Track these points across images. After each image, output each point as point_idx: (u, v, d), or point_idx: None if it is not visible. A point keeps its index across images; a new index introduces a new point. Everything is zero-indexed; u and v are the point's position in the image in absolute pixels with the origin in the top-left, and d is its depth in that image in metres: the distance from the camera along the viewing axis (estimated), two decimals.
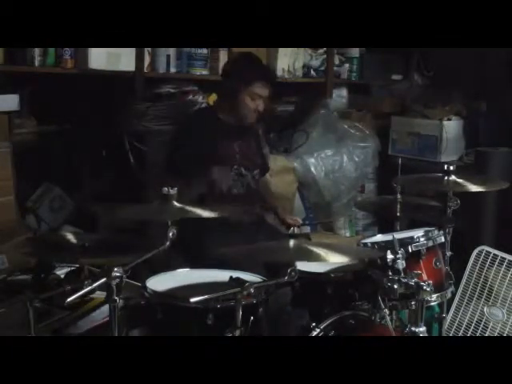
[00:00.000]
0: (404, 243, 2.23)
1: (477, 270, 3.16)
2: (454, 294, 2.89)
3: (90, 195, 3.61)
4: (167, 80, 3.73)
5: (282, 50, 4.19)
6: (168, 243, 1.79)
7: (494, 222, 3.79)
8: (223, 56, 3.85)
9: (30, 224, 3.49)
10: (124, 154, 3.49)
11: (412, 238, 2.30)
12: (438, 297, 2.31)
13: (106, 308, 1.80)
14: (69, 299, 1.62)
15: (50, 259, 2.39)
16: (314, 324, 2.09)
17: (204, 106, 3.48)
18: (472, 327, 3.09)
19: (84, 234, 2.35)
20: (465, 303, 3.15)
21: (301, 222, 3.16)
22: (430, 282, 2.01)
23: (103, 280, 1.63)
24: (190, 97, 3.64)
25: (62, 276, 2.52)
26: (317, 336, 2.05)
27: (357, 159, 4.16)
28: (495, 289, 3.10)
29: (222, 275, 2.04)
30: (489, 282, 3.12)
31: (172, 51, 3.81)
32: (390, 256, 2.12)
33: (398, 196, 2.63)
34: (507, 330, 3.01)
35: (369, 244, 2.35)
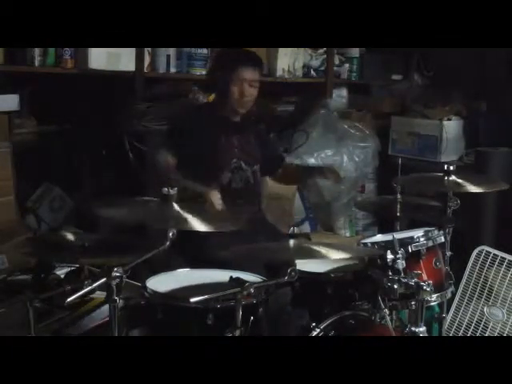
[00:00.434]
0: (404, 243, 2.23)
1: (477, 270, 3.16)
2: (454, 294, 2.89)
3: (90, 195, 3.61)
4: (167, 80, 3.73)
5: (281, 50, 4.19)
6: (168, 243, 1.79)
7: (494, 222, 3.79)
8: None
9: (30, 224, 3.49)
10: (124, 154, 3.49)
11: (412, 237, 2.29)
12: (437, 297, 2.31)
13: (105, 308, 1.80)
14: (69, 299, 1.62)
15: (49, 259, 2.39)
16: (314, 324, 2.09)
17: (203, 103, 3.48)
18: (472, 327, 3.09)
19: (84, 233, 2.35)
20: (465, 303, 3.15)
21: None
22: (430, 282, 2.01)
23: (103, 280, 1.63)
24: (190, 97, 3.64)
25: (62, 276, 2.52)
26: (317, 336, 2.05)
27: (357, 159, 4.16)
28: (495, 289, 3.10)
29: (222, 275, 2.04)
30: (489, 282, 3.12)
31: (172, 51, 3.81)
32: (389, 256, 2.12)
33: (398, 196, 2.63)
34: (507, 329, 3.01)
35: (369, 244, 2.35)
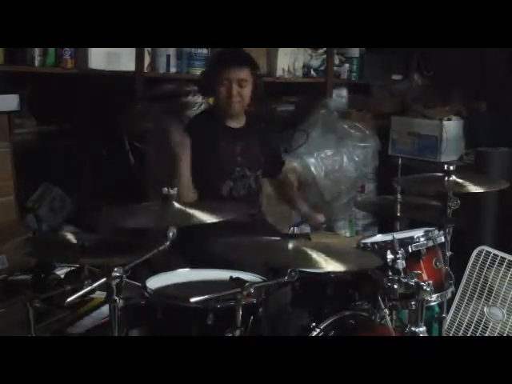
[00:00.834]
0: (404, 243, 2.23)
1: (477, 270, 3.16)
2: (454, 294, 2.89)
3: (90, 195, 3.61)
4: (167, 80, 3.73)
5: (281, 50, 4.19)
6: (168, 243, 1.79)
7: (494, 222, 3.79)
8: None
9: (30, 224, 3.49)
10: (124, 154, 3.49)
11: (412, 237, 2.29)
12: (438, 297, 2.31)
13: (106, 308, 1.80)
14: (69, 299, 1.62)
15: (49, 259, 2.39)
16: (314, 324, 2.09)
17: (203, 110, 3.45)
18: (472, 327, 3.09)
19: (84, 233, 2.35)
20: (465, 303, 3.15)
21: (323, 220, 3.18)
22: (430, 282, 2.01)
23: (103, 280, 1.63)
24: (190, 97, 3.64)
25: (62, 276, 2.51)
26: (317, 336, 2.05)
27: (357, 159, 4.16)
28: (495, 289, 3.10)
29: (222, 275, 2.04)
30: (489, 282, 3.12)
31: (172, 51, 3.81)
32: (389, 256, 2.12)
33: (398, 196, 2.63)
34: (507, 330, 3.01)
35: (369, 244, 2.34)
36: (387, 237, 2.36)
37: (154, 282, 2.04)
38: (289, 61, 4.26)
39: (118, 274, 1.63)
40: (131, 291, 1.92)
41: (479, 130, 4.27)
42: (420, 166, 3.94)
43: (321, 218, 3.13)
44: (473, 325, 3.09)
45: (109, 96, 3.49)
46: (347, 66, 4.72)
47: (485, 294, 3.12)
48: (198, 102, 3.60)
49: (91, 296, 2.21)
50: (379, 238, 2.49)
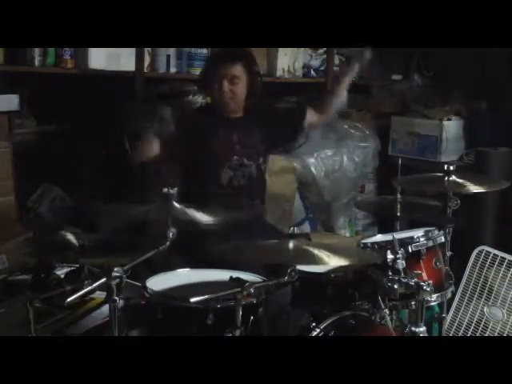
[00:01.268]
0: (404, 243, 2.23)
1: (477, 270, 3.16)
2: (454, 294, 2.89)
3: (90, 195, 3.61)
4: (167, 80, 3.73)
5: (281, 50, 4.19)
6: (168, 243, 1.79)
7: (494, 222, 3.79)
8: None
9: (30, 224, 3.49)
10: (124, 154, 3.49)
11: (412, 237, 2.30)
12: (438, 297, 2.31)
13: (106, 308, 1.80)
14: (69, 299, 1.62)
15: (49, 259, 2.39)
16: (314, 324, 2.09)
17: (203, 104, 3.46)
18: (472, 327, 3.09)
19: (84, 233, 2.35)
20: (465, 303, 3.15)
21: None
22: (430, 282, 2.01)
23: (103, 280, 1.63)
24: (190, 97, 3.63)
25: (62, 276, 2.51)
26: (317, 336, 2.05)
27: (357, 159, 4.16)
28: (495, 289, 3.10)
29: (222, 275, 2.04)
30: (489, 282, 3.12)
31: (172, 51, 3.81)
32: (390, 256, 2.12)
33: (398, 196, 2.63)
34: (507, 329, 3.01)
35: (369, 244, 2.35)
36: (387, 237, 2.36)
37: (154, 282, 2.04)
38: (289, 61, 4.26)
39: (117, 274, 1.63)
40: (131, 291, 1.92)
41: (479, 129, 4.27)
42: (420, 166, 3.95)
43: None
44: (473, 325, 3.09)
45: (109, 96, 3.49)
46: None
47: (485, 294, 3.12)
48: (198, 102, 3.60)
49: (91, 296, 2.21)
50: (379, 237, 2.49)
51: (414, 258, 2.25)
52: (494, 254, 3.14)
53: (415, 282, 2.00)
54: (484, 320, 3.07)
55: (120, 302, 1.66)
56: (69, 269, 2.51)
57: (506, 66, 4.34)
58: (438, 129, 4.25)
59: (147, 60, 3.70)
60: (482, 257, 3.16)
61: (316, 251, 1.87)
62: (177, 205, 1.98)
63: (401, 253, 2.13)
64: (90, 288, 1.62)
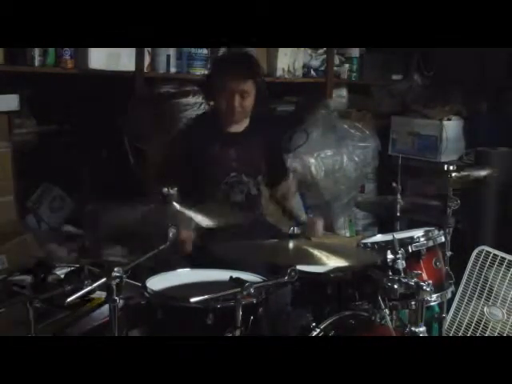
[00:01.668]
0: (404, 243, 2.23)
1: (477, 270, 3.16)
2: (454, 294, 2.89)
3: (89, 195, 3.61)
4: (167, 80, 3.73)
5: (281, 50, 4.19)
6: (168, 243, 1.79)
7: (494, 222, 3.79)
8: None
9: (30, 224, 3.49)
10: (124, 154, 3.49)
11: (412, 237, 2.30)
12: (438, 297, 2.31)
13: (106, 308, 1.80)
14: (69, 299, 1.62)
15: (49, 259, 2.40)
16: (314, 324, 2.09)
17: (204, 112, 3.41)
18: (472, 327, 3.09)
19: (84, 233, 2.35)
20: (465, 303, 3.15)
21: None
22: (430, 282, 2.01)
23: (103, 280, 1.63)
24: (190, 97, 3.64)
25: (62, 276, 2.52)
26: (317, 336, 2.05)
27: (357, 159, 4.16)
28: (495, 289, 3.10)
29: (222, 275, 2.04)
30: (489, 282, 3.12)
31: (172, 51, 3.81)
32: (390, 256, 2.12)
33: (398, 196, 2.63)
34: (507, 330, 3.01)
35: (369, 244, 2.35)
36: (387, 237, 2.36)
37: (154, 282, 2.04)
38: (289, 61, 4.26)
39: (118, 274, 1.63)
40: (131, 291, 1.92)
41: (479, 129, 4.27)
42: (420, 166, 3.95)
43: (319, 225, 2.81)
44: (473, 325, 3.09)
45: (109, 96, 3.49)
46: (347, 66, 4.72)
47: (485, 294, 3.12)
48: (198, 102, 3.60)
49: (91, 296, 2.21)
50: (379, 237, 2.49)
51: (413, 258, 2.25)
52: (494, 254, 3.14)
53: (415, 282, 2.00)
54: (484, 320, 3.07)
55: (120, 302, 1.66)
56: (69, 269, 2.51)
57: (506, 66, 4.34)
58: (438, 129, 4.26)
59: (147, 60, 3.70)
60: (482, 257, 3.16)
61: (316, 251, 1.87)
62: (177, 205, 1.98)
63: (401, 253, 2.13)
64: (90, 288, 1.62)
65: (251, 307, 1.90)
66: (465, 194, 2.54)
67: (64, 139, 3.61)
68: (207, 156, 2.77)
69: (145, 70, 3.67)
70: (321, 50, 4.50)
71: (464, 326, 3.11)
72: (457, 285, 3.01)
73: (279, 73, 4.22)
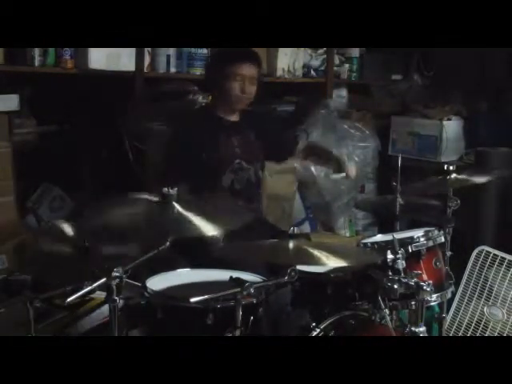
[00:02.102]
0: (404, 243, 2.23)
1: (477, 270, 3.16)
2: (454, 294, 2.89)
3: (89, 195, 3.61)
4: (167, 80, 3.73)
5: (281, 50, 4.19)
6: (168, 243, 1.79)
7: (494, 222, 3.79)
8: None
9: (30, 224, 3.49)
10: (124, 154, 3.49)
11: (412, 238, 2.29)
12: (437, 297, 2.31)
13: (106, 308, 1.80)
14: (69, 299, 1.62)
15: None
16: (314, 324, 2.09)
17: (202, 105, 3.47)
18: (472, 327, 3.09)
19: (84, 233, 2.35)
20: (465, 303, 3.15)
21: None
22: (430, 282, 2.01)
23: (103, 280, 1.63)
24: (190, 97, 3.64)
25: None
26: (317, 336, 2.05)
27: (357, 159, 4.16)
28: (495, 289, 3.11)
29: (222, 275, 2.04)
30: (489, 282, 3.12)
31: (172, 51, 3.81)
32: (390, 256, 2.12)
33: (398, 196, 2.63)
34: (507, 329, 3.01)
35: (369, 244, 2.35)
36: (387, 237, 2.36)
37: (154, 282, 2.04)
38: (289, 61, 4.26)
39: (117, 274, 1.63)
40: (131, 291, 1.92)
41: (479, 129, 4.27)
42: (420, 166, 3.95)
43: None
44: (473, 325, 3.09)
45: (109, 96, 3.49)
46: (347, 66, 4.72)
47: (485, 294, 3.12)
48: (198, 102, 3.61)
49: (91, 296, 2.21)
50: (379, 237, 2.49)
51: (414, 258, 2.25)
52: (494, 254, 3.14)
53: (415, 282, 2.00)
54: (484, 320, 3.07)
55: (120, 302, 1.66)
56: None
57: (506, 66, 4.34)
58: (438, 129, 4.26)
59: (147, 60, 3.70)
60: (482, 257, 3.16)
61: (316, 251, 1.87)
62: (177, 205, 1.98)
63: (401, 253, 2.13)
64: (89, 288, 1.61)
65: (251, 307, 1.90)
66: (465, 194, 2.54)
67: (64, 139, 3.61)
68: (213, 144, 2.84)
69: (145, 70, 3.67)
70: (321, 50, 4.50)
71: (464, 325, 3.11)
72: (457, 285, 3.01)
73: (279, 73, 4.22)
